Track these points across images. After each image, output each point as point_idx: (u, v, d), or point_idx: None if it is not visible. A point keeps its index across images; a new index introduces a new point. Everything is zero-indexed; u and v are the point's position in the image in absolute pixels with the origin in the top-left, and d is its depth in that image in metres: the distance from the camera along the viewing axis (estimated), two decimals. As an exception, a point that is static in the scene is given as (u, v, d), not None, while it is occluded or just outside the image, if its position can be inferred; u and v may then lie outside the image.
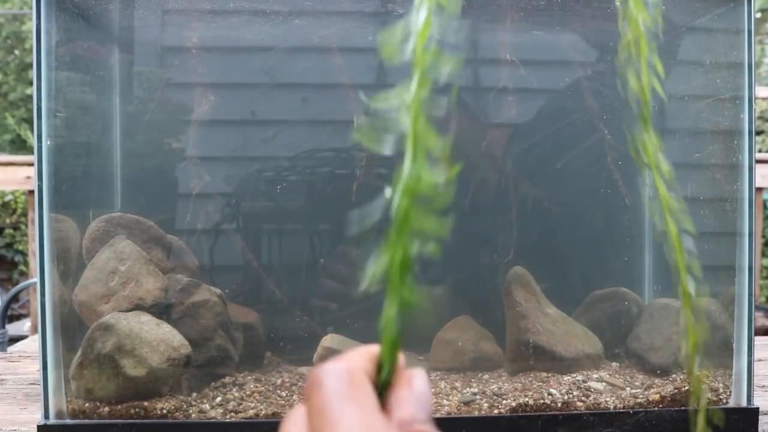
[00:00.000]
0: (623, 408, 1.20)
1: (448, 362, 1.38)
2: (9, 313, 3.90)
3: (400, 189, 0.37)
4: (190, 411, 1.15)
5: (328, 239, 1.51)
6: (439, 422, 1.16)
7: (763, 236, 5.14)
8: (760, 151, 6.99)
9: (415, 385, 0.39)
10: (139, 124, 1.47)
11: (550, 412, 1.18)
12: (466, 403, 1.20)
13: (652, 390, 1.24)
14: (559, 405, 1.19)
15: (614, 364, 1.38)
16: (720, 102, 1.32)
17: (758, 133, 6.80)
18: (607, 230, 1.52)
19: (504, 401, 1.20)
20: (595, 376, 1.29)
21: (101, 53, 1.42)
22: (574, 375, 1.29)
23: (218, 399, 1.19)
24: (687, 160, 1.49)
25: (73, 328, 1.20)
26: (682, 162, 1.51)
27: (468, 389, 1.26)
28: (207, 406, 1.16)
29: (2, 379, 1.66)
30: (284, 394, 1.23)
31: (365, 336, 1.40)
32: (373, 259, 0.37)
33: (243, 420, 1.14)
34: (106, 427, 1.12)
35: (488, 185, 1.47)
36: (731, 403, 1.23)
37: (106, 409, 1.13)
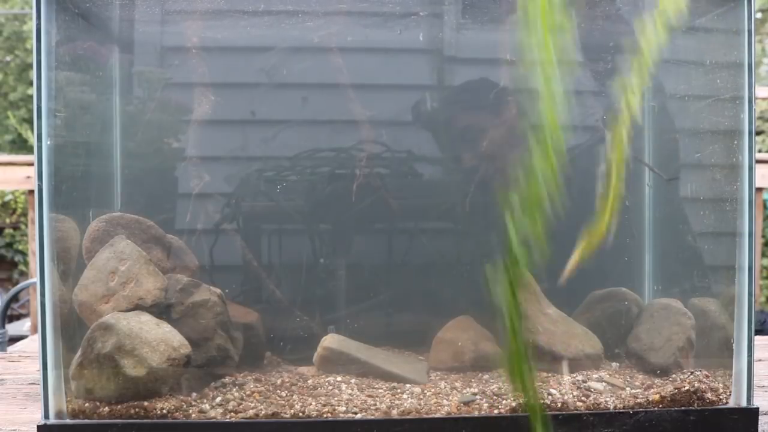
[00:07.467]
0: (623, 408, 1.20)
1: (448, 362, 1.38)
2: (9, 313, 3.90)
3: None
4: (190, 411, 1.15)
5: (327, 239, 1.50)
6: (439, 422, 1.16)
7: (763, 236, 5.14)
8: (760, 151, 6.99)
9: None
10: (139, 124, 1.47)
11: (550, 412, 1.18)
12: (466, 403, 1.20)
13: (652, 390, 1.24)
14: (559, 405, 1.19)
15: (614, 364, 1.38)
16: (720, 102, 1.32)
17: (758, 133, 6.80)
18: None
19: (504, 401, 1.20)
20: (595, 376, 1.29)
21: (101, 53, 1.42)
22: (574, 375, 1.29)
23: (218, 399, 1.19)
24: (687, 160, 1.49)
25: (73, 328, 1.20)
26: (683, 162, 1.51)
27: (468, 389, 1.26)
28: (207, 406, 1.16)
29: (2, 379, 1.66)
30: (284, 394, 1.23)
31: (365, 336, 1.40)
32: None
33: (243, 420, 1.14)
34: (106, 427, 1.12)
35: (488, 184, 1.47)
36: (731, 403, 1.23)
37: (106, 409, 1.13)
